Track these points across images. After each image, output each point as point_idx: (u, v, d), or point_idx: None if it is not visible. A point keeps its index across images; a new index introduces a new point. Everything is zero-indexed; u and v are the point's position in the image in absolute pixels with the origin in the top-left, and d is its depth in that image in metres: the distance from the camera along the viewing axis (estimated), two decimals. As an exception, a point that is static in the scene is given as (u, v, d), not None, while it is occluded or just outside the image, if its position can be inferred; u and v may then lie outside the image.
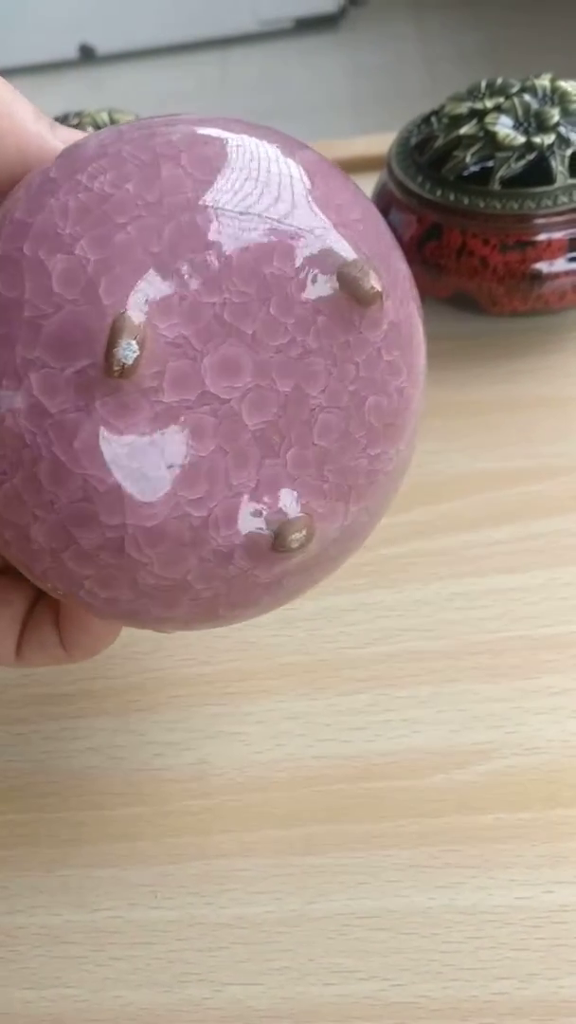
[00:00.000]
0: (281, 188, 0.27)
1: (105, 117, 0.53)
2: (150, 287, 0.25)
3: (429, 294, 0.51)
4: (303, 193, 0.27)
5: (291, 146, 0.28)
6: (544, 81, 0.50)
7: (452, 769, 0.37)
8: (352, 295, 0.27)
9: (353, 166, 0.65)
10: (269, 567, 0.28)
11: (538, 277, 0.48)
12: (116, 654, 0.41)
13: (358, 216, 0.29)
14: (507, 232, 0.48)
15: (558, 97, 0.49)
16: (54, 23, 2.40)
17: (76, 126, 0.52)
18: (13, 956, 0.34)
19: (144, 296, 0.25)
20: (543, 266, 0.47)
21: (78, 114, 0.54)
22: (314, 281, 0.27)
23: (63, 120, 0.53)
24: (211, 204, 0.26)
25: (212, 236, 0.26)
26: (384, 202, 0.52)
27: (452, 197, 0.48)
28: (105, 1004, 0.32)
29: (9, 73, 2.35)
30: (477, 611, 0.41)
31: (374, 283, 0.26)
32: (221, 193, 0.26)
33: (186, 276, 0.26)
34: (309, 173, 0.28)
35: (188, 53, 2.50)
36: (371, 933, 0.33)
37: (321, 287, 0.27)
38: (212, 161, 0.27)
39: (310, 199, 0.27)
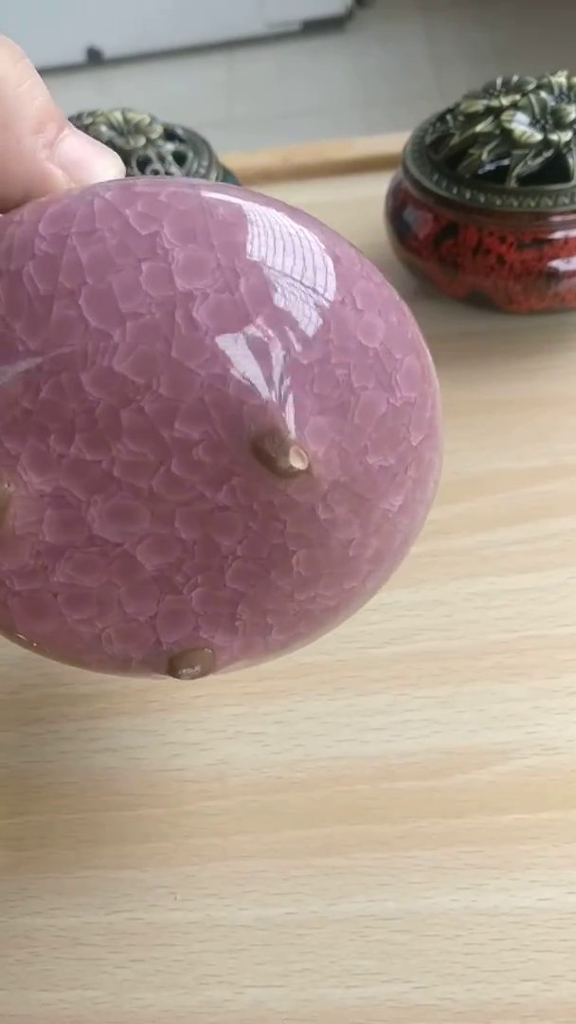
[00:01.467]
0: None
1: (119, 116, 0.53)
2: (22, 446, 0.24)
3: (445, 293, 0.51)
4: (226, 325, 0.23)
5: (229, 258, 0.24)
6: (561, 78, 0.49)
7: (472, 769, 0.36)
8: (269, 470, 0.23)
9: (367, 165, 0.65)
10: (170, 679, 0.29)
11: (555, 275, 0.47)
12: (133, 654, 0.41)
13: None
14: (523, 230, 0.47)
15: (575, 94, 0.49)
16: (61, 26, 2.40)
17: (89, 126, 0.52)
18: (31, 958, 0.34)
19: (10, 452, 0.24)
20: (560, 264, 0.47)
21: (91, 113, 0.54)
22: (224, 448, 0.24)
23: (75, 120, 0.53)
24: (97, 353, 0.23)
25: (94, 393, 0.23)
26: (399, 200, 0.52)
27: (468, 195, 0.48)
28: (125, 1006, 0.32)
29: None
30: (495, 611, 0.41)
31: (294, 462, 0.23)
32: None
33: (65, 436, 0.23)
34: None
35: (195, 56, 2.51)
36: (393, 935, 0.33)
37: (236, 453, 0.24)
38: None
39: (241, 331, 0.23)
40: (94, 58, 2.51)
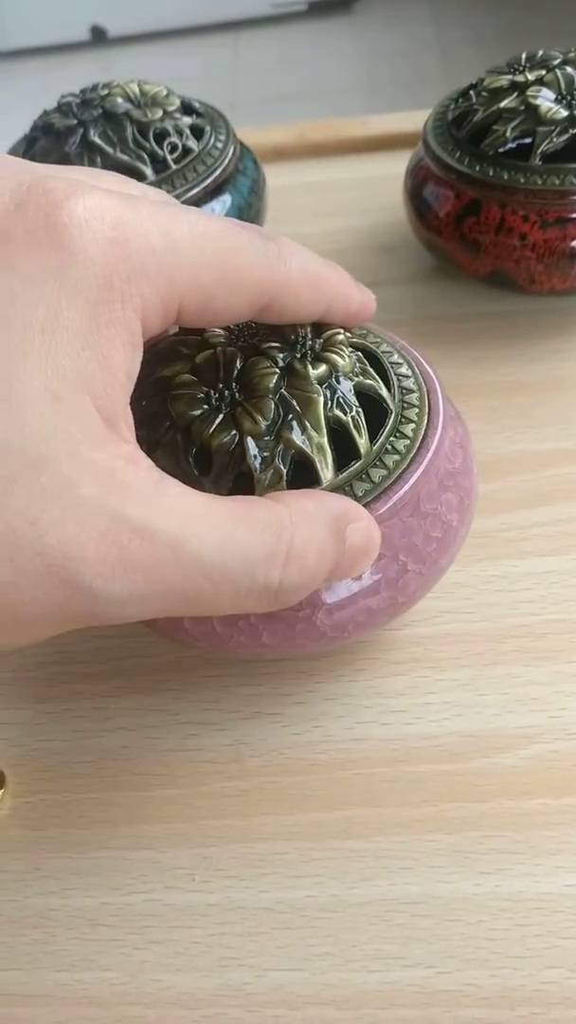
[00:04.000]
0: None
1: (135, 88, 0.52)
2: None
3: (466, 272, 0.50)
4: None
5: None
6: (586, 54, 0.49)
7: (495, 753, 0.36)
8: None
9: (382, 143, 0.64)
10: None
11: (578, 255, 0.47)
12: (148, 633, 0.40)
13: None
14: (547, 208, 0.47)
15: (601, 71, 0.48)
16: (66, 5, 2.38)
17: (105, 96, 0.51)
18: (47, 938, 0.33)
19: None
20: (584, 244, 0.46)
21: (107, 85, 0.53)
22: None
23: (90, 91, 0.52)
24: None
25: None
26: (420, 177, 0.51)
27: (491, 172, 0.47)
28: (144, 987, 0.32)
29: (21, 54, 2.33)
30: (517, 593, 0.40)
31: None
32: None
33: None
34: None
35: (200, 36, 2.49)
36: (415, 919, 0.32)
37: None
38: None
39: None
40: (98, 36, 2.49)
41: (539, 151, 0.47)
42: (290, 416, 0.32)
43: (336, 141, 0.64)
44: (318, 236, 0.58)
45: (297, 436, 0.32)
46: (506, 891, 0.33)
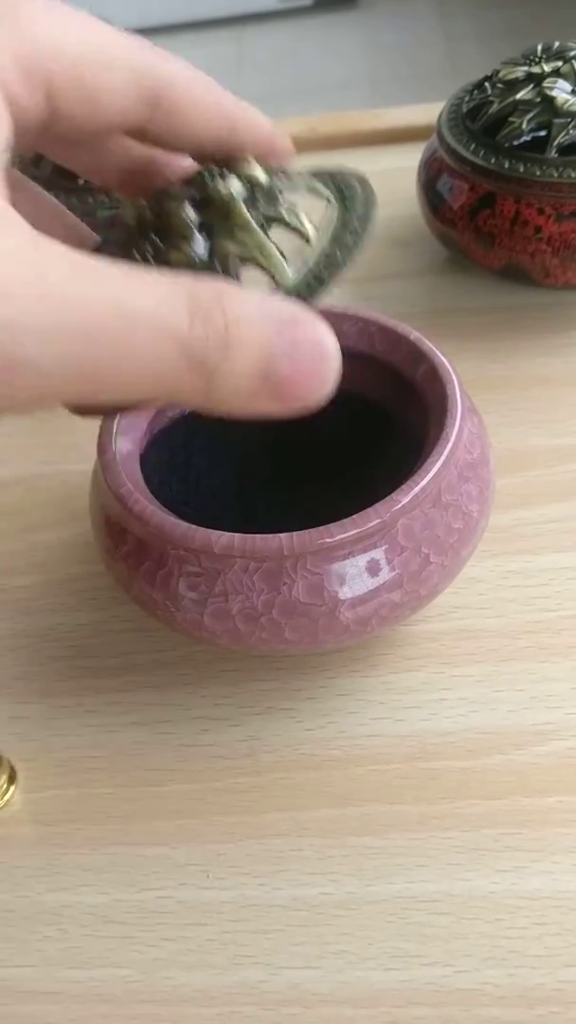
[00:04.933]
0: None
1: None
2: None
3: (480, 265, 0.50)
4: None
5: None
6: (603, 46, 0.48)
7: (511, 750, 0.35)
8: None
9: (393, 136, 0.63)
10: None
11: (594, 248, 0.46)
12: (161, 627, 0.40)
13: None
14: (563, 201, 0.46)
15: (618, 62, 0.47)
16: (70, -3, 2.37)
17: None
18: (60, 935, 0.33)
19: None
20: (600, 237, 0.46)
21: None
22: None
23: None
24: None
25: None
26: (434, 170, 0.51)
27: (507, 165, 0.47)
28: (158, 985, 0.31)
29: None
30: (532, 589, 0.40)
31: None
32: None
33: None
34: None
35: (204, 30, 2.48)
36: (432, 917, 0.32)
37: None
38: None
39: None
40: (103, 30, 2.48)
41: (555, 143, 0.46)
42: (216, 231, 0.28)
43: (348, 134, 0.63)
44: (330, 229, 0.58)
45: (231, 245, 0.28)
46: (523, 889, 0.32)
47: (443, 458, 0.34)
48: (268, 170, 0.30)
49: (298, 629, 0.33)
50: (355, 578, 0.33)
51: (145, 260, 0.29)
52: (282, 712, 0.37)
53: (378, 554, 0.33)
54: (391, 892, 0.33)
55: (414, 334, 0.39)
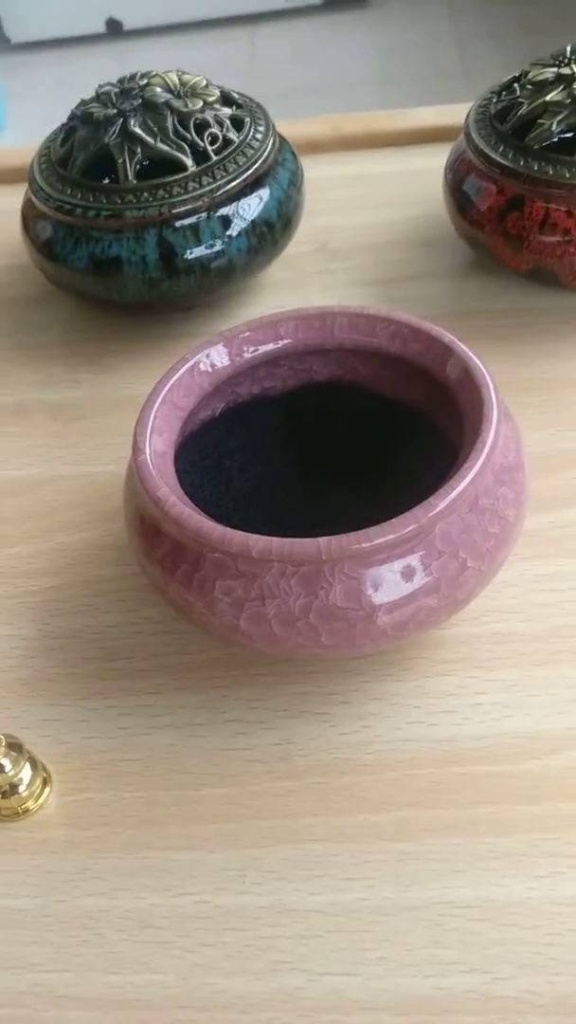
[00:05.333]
0: None
1: (174, 78, 0.52)
2: None
3: (507, 268, 0.50)
4: None
5: None
6: None
7: (546, 755, 0.35)
8: None
9: (415, 137, 0.63)
10: None
11: (624, 251, 0.46)
12: (192, 630, 0.40)
13: None
14: (594, 204, 0.46)
15: None
16: (81, -4, 2.37)
17: (145, 86, 0.51)
18: (97, 940, 0.33)
19: None
20: (629, 239, 0.46)
21: (145, 74, 0.52)
22: None
23: (130, 79, 0.52)
24: None
25: None
26: (462, 171, 0.50)
27: (536, 167, 0.47)
28: (196, 991, 0.31)
29: (37, 46, 2.32)
30: (565, 593, 0.40)
31: None
32: None
33: None
34: None
35: (216, 29, 2.47)
36: (470, 924, 0.32)
37: None
38: None
39: None
40: (114, 29, 2.48)
41: (586, 145, 0.46)
42: None
43: (370, 134, 0.63)
44: (355, 230, 0.58)
45: None
46: (562, 895, 0.32)
47: (480, 462, 0.34)
48: None
49: (335, 634, 0.33)
50: (393, 583, 0.33)
51: None
52: (316, 716, 0.37)
53: (416, 559, 0.33)
54: (428, 898, 0.32)
55: (448, 336, 0.39)
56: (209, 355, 0.40)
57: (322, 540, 0.32)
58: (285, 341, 0.40)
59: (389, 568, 0.33)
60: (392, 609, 0.33)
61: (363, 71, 2.29)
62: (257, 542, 0.33)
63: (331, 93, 2.19)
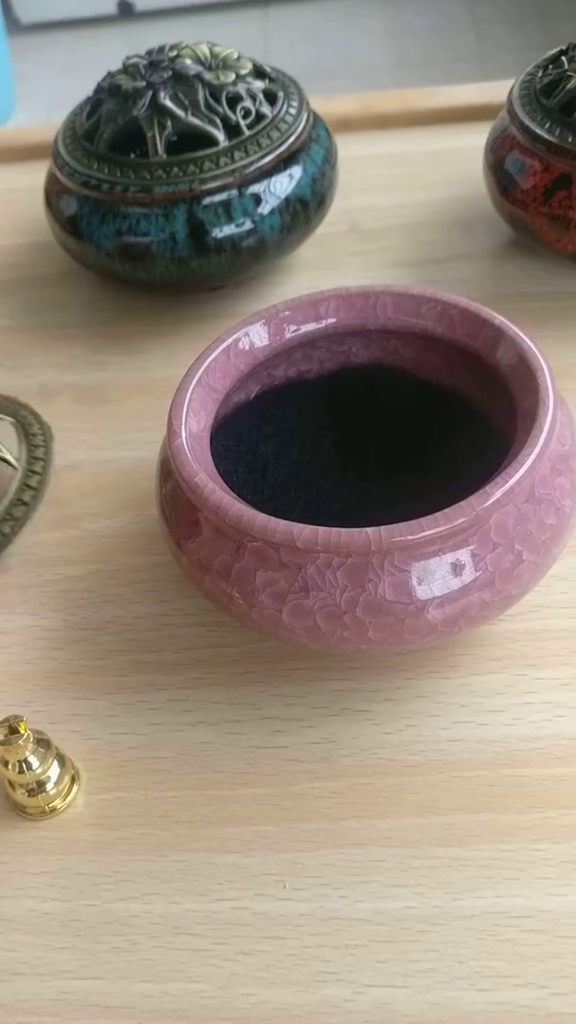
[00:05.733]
0: None
1: (205, 50, 0.50)
2: None
3: (552, 249, 0.48)
4: None
5: None
6: None
7: (601, 758, 0.34)
8: None
9: (448, 116, 0.61)
10: None
11: None
12: (227, 621, 0.38)
13: None
14: None
15: None
16: (93, -23, 2.35)
17: (175, 58, 0.49)
18: (129, 946, 0.31)
19: None
20: None
21: (175, 46, 0.50)
22: None
23: (159, 51, 0.50)
24: None
25: None
26: (504, 149, 0.48)
27: (585, 143, 0.45)
28: (235, 1002, 0.30)
29: (49, 26, 2.30)
30: (616, 588, 0.38)
31: None
32: None
33: None
34: None
35: (229, 11, 2.45)
36: (525, 935, 0.30)
37: None
38: None
39: None
40: (125, 11, 2.45)
41: None
42: None
43: (404, 113, 0.61)
44: (389, 209, 0.56)
45: None
46: (621, 906, 0.30)
47: (537, 450, 0.32)
48: None
49: (383, 628, 0.31)
50: (444, 576, 0.31)
51: None
52: (358, 714, 0.36)
53: (469, 551, 0.31)
54: (480, 907, 0.31)
55: (499, 319, 0.37)
56: (248, 334, 0.38)
57: (371, 530, 0.31)
58: (327, 321, 0.39)
59: (441, 560, 0.31)
60: (443, 604, 0.31)
61: (378, 54, 2.26)
62: (302, 531, 0.31)
63: (345, 76, 2.17)
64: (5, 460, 0.42)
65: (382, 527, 0.31)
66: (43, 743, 0.34)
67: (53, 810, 0.34)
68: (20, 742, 0.33)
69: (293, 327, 0.39)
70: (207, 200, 0.47)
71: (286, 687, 0.37)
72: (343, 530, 0.31)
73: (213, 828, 0.34)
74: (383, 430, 0.42)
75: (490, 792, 0.33)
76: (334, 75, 2.20)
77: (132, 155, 0.48)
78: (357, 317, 0.39)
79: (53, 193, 0.51)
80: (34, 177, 0.60)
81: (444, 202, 0.56)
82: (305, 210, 0.49)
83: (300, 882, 0.32)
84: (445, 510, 0.31)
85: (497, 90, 0.59)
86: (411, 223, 0.55)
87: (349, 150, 0.57)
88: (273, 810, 0.34)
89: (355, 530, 0.31)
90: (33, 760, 0.33)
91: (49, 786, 0.34)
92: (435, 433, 0.41)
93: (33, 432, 0.46)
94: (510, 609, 0.36)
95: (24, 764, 0.33)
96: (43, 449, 0.45)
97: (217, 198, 0.47)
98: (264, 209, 0.48)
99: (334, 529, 0.31)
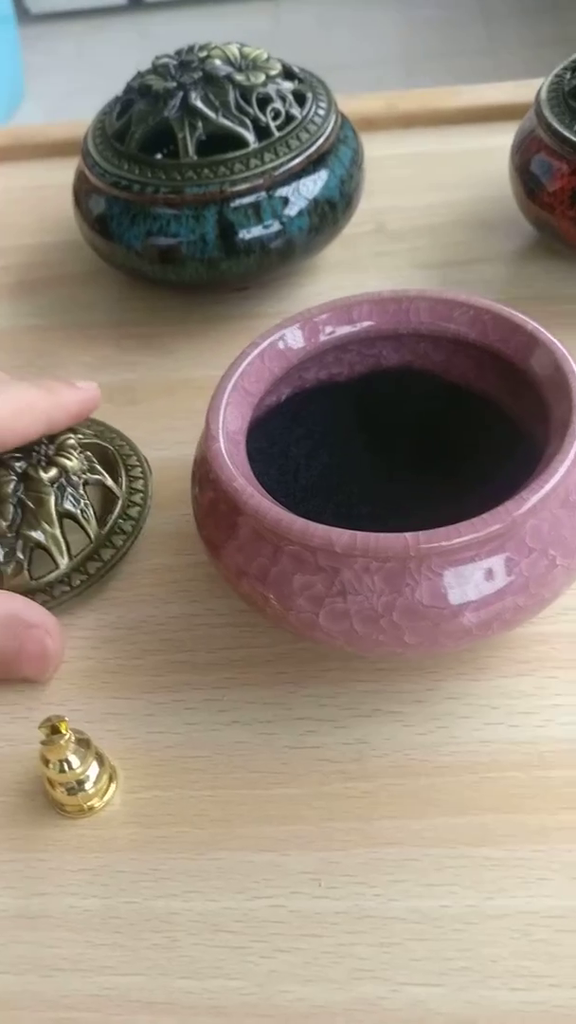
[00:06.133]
0: None
1: (235, 51, 0.50)
2: None
3: (579, 251, 0.48)
4: None
5: None
6: None
7: (631, 760, 0.34)
8: None
9: (473, 115, 0.61)
10: None
11: None
12: (259, 622, 0.39)
13: None
14: None
15: None
16: (103, -33, 2.35)
17: (204, 58, 0.49)
18: (169, 943, 0.32)
19: None
20: None
21: (204, 46, 0.51)
22: None
23: (188, 51, 0.50)
24: None
25: None
26: (530, 150, 0.49)
27: (613, 147, 0.45)
28: (274, 999, 0.30)
29: (59, 17, 2.30)
30: None
31: None
32: None
33: None
34: None
35: (239, 3, 2.45)
36: (558, 935, 0.31)
37: None
38: None
39: None
40: (135, 1, 2.45)
41: None
42: (27, 515, 0.39)
43: (428, 112, 0.61)
44: (412, 210, 0.56)
45: (33, 531, 0.39)
46: None
47: (572, 456, 0.33)
48: (79, 452, 0.41)
49: (418, 633, 0.32)
50: (480, 580, 0.32)
51: None
52: (389, 715, 0.36)
53: (505, 556, 0.32)
54: (514, 906, 0.31)
55: (531, 324, 0.37)
56: (284, 338, 0.38)
57: (409, 535, 0.31)
58: (363, 324, 0.39)
59: (477, 565, 0.32)
60: (478, 608, 0.32)
61: (387, 47, 2.26)
62: (341, 536, 0.31)
63: (356, 69, 2.17)
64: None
65: (420, 532, 0.31)
66: (83, 742, 0.34)
67: (91, 808, 0.35)
68: (61, 742, 0.33)
69: (328, 331, 0.39)
70: (237, 202, 0.47)
71: (318, 688, 0.37)
72: (381, 535, 0.31)
73: (249, 827, 0.34)
74: (413, 433, 0.42)
75: (523, 794, 0.34)
76: (343, 68, 2.19)
77: (159, 155, 0.49)
78: (390, 321, 0.39)
79: (82, 192, 0.51)
80: (59, 174, 0.60)
81: (469, 203, 0.56)
82: (333, 211, 0.49)
83: (335, 880, 0.32)
84: (482, 515, 0.31)
85: (523, 90, 0.59)
86: (435, 224, 0.55)
87: (372, 150, 0.57)
88: (307, 809, 0.34)
89: (393, 535, 0.31)
90: (73, 759, 0.34)
91: (88, 785, 0.34)
92: (464, 436, 0.41)
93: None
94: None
95: (65, 764, 0.34)
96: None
97: (247, 200, 0.47)
98: (292, 211, 0.48)
99: (372, 534, 0.31)
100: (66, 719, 0.33)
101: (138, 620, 0.40)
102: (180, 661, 0.38)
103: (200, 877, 0.33)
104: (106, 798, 0.35)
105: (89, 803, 0.35)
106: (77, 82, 2.23)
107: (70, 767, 0.34)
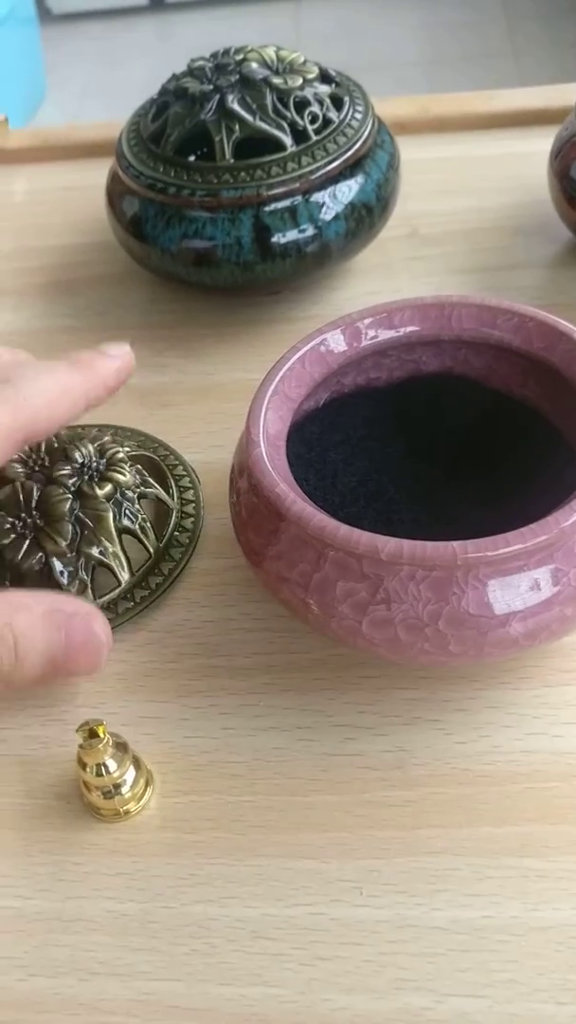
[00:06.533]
0: None
1: (271, 53, 0.50)
2: None
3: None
4: None
5: None
6: None
7: None
8: None
9: (509, 120, 0.61)
10: None
11: None
12: (295, 627, 0.39)
13: None
14: None
15: None
16: (125, -32, 2.35)
17: (241, 61, 0.49)
18: (208, 949, 0.32)
19: None
20: None
21: (240, 49, 0.51)
22: None
23: (224, 54, 0.50)
24: None
25: None
26: (570, 156, 0.48)
27: None
28: (315, 1007, 0.30)
29: (81, 16, 2.30)
30: None
31: None
32: None
33: None
34: None
35: (260, 4, 2.45)
36: (604, 948, 0.30)
37: None
38: None
39: None
40: (156, 2, 2.45)
41: None
42: (86, 532, 0.39)
43: (461, 116, 0.61)
44: (447, 215, 0.56)
45: (94, 549, 0.39)
46: None
47: None
48: (130, 466, 0.41)
49: (464, 642, 0.32)
50: (527, 590, 0.31)
51: (19, 535, 0.39)
52: (430, 723, 0.36)
53: (553, 566, 0.32)
54: (559, 919, 0.31)
55: (576, 331, 0.37)
56: (325, 342, 0.38)
57: (456, 544, 0.31)
58: (404, 329, 0.39)
59: (525, 575, 0.31)
60: (526, 618, 0.32)
61: (410, 48, 2.26)
62: (386, 543, 0.31)
63: (379, 71, 2.17)
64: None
65: (467, 541, 0.31)
66: (120, 746, 0.34)
67: (127, 813, 0.35)
68: (100, 746, 0.33)
69: (369, 336, 0.39)
70: (273, 205, 0.47)
71: (357, 695, 0.37)
72: (428, 543, 0.31)
73: (288, 833, 0.34)
74: (452, 439, 0.42)
75: (567, 804, 0.33)
76: (364, 69, 2.19)
77: (193, 157, 0.48)
78: (432, 327, 0.39)
79: (116, 194, 0.51)
80: (87, 176, 0.60)
81: (503, 208, 0.56)
82: (370, 216, 0.49)
83: (376, 889, 0.32)
84: (531, 525, 0.31)
85: (558, 95, 0.59)
86: (470, 229, 0.55)
87: (405, 153, 0.57)
88: (347, 817, 0.34)
89: (440, 544, 0.31)
90: (111, 763, 0.34)
91: (124, 789, 0.34)
92: (504, 443, 0.41)
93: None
94: None
95: (102, 767, 0.33)
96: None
97: (283, 203, 0.47)
98: (328, 215, 0.48)
99: (419, 542, 0.31)
100: (104, 723, 0.33)
101: (173, 624, 0.40)
102: (215, 665, 0.38)
103: (238, 883, 0.33)
104: (142, 802, 0.35)
105: (125, 807, 0.35)
106: (98, 81, 2.23)
107: (107, 771, 0.33)
